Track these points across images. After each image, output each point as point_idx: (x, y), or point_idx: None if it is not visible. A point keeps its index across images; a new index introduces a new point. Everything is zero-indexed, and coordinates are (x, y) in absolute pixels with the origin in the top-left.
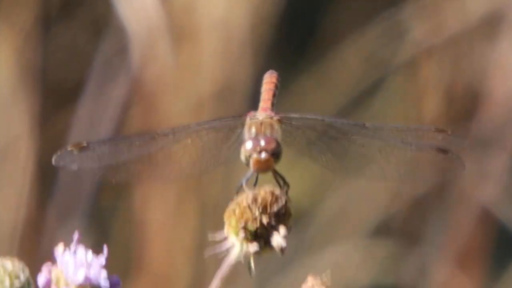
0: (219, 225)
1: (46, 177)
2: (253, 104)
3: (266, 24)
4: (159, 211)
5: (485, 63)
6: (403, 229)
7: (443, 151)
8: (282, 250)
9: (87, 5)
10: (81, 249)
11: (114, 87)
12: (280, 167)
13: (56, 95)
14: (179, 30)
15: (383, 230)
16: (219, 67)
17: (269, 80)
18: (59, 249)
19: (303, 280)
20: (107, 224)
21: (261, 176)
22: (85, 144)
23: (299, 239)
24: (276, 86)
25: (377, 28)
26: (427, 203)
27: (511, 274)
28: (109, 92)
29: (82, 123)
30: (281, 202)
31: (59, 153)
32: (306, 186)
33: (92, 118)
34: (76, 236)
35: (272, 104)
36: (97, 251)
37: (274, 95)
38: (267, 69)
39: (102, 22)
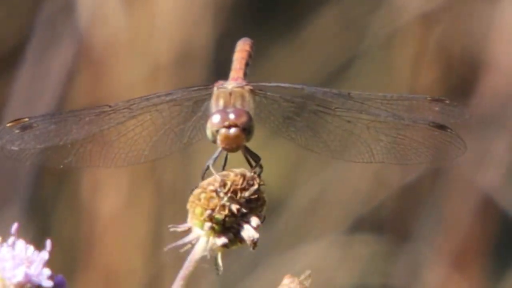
0: (180, 215)
1: None
2: (217, 72)
3: None
4: (109, 199)
5: (486, 27)
6: (391, 222)
7: (440, 126)
8: (254, 243)
9: None
10: (20, 243)
11: (57, 52)
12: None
13: None
14: None
15: (368, 223)
16: (177, 29)
17: (241, 48)
18: None
19: (275, 282)
20: (50, 215)
21: (231, 156)
22: (26, 120)
23: (270, 234)
24: (249, 55)
25: None
26: (419, 191)
27: None
28: (52, 58)
29: (20, 95)
30: (254, 186)
31: None
32: (278, 170)
33: (32, 88)
34: (14, 228)
35: (245, 74)
36: (38, 245)
37: (246, 64)
38: (233, 32)
39: None
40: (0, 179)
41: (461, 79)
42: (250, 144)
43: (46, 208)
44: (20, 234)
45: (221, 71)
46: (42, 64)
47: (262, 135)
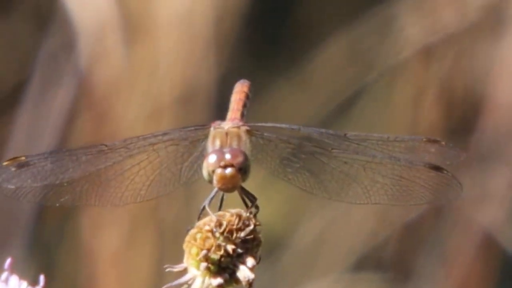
0: (181, 255)
1: None
2: (219, 112)
3: (233, 18)
4: (110, 238)
5: (488, 63)
6: (393, 260)
7: (436, 168)
8: (249, 284)
9: None
10: (14, 279)
11: (58, 91)
12: (248, 187)
13: None
14: (134, 24)
15: (370, 261)
16: (179, 68)
17: (239, 89)
18: None
19: None
20: (51, 252)
21: (227, 196)
22: (23, 159)
23: (273, 272)
24: (247, 96)
25: (366, 24)
26: (421, 229)
27: None
28: (53, 97)
29: (21, 134)
30: (249, 227)
31: None
32: (280, 210)
33: (33, 128)
34: (8, 263)
35: (242, 115)
36: (36, 283)
37: (244, 106)
38: (235, 71)
39: (45, 14)
40: (2, 217)
41: (463, 115)
42: (252, 182)
43: (48, 246)
44: (20, 271)
45: (223, 111)
46: (43, 103)
47: (265, 173)
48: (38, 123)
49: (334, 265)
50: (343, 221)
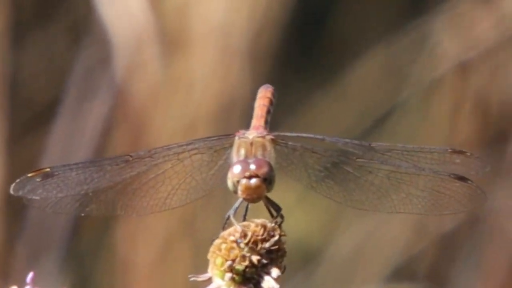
0: None
1: (15, 211)
2: None
3: (271, 31)
4: (146, 250)
5: None
6: (429, 272)
7: (460, 178)
8: None
9: (65, 8)
10: None
11: (94, 104)
12: (288, 199)
13: (27, 114)
14: (171, 37)
15: (406, 273)
16: (216, 81)
17: (263, 95)
18: None
19: None
20: (85, 266)
21: (252, 206)
22: (48, 170)
23: (309, 283)
24: (271, 102)
25: (403, 38)
26: (457, 241)
27: None
28: (89, 110)
29: (57, 147)
30: (274, 237)
31: (18, 180)
32: (315, 221)
33: (69, 140)
34: (29, 277)
35: (266, 122)
36: None
37: (268, 112)
38: (271, 84)
39: (82, 27)
40: (36, 230)
41: (499, 129)
42: (292, 195)
43: (83, 259)
44: (55, 284)
45: None
46: (78, 117)
47: (301, 187)
48: (74, 136)
49: (370, 277)
50: (379, 233)
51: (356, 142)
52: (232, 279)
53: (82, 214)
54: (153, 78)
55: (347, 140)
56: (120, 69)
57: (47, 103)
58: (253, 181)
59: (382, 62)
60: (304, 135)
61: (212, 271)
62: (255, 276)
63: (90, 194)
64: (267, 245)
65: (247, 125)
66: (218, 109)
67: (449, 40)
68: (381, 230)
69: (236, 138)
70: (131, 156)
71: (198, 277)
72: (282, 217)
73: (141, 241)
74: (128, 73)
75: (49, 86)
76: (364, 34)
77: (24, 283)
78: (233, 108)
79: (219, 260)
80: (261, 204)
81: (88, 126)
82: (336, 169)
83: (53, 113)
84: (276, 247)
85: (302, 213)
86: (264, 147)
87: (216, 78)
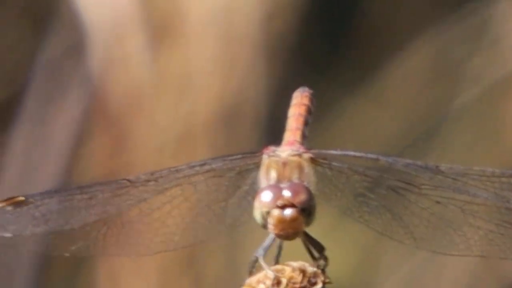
0: None
1: None
2: (271, 134)
3: (285, 15)
4: None
5: None
6: None
7: None
8: None
9: None
10: None
11: (63, 106)
12: (312, 230)
13: None
14: (160, 23)
15: None
16: (218, 79)
17: (298, 102)
18: None
19: None
20: None
21: (286, 244)
22: (21, 199)
23: None
24: (309, 110)
25: (458, 27)
26: None
27: None
28: (55, 115)
29: (16, 163)
30: (317, 285)
31: None
32: (350, 259)
33: (31, 153)
34: None
35: (303, 136)
36: None
37: (305, 123)
38: (289, 82)
39: (45, 10)
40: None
41: None
42: (312, 228)
43: None
44: None
45: (277, 133)
46: (43, 122)
47: (330, 213)
48: (37, 147)
49: None
50: (432, 276)
51: (419, 163)
52: None
53: (66, 254)
54: (138, 74)
55: (408, 161)
56: (95, 63)
57: (3, 104)
58: (288, 212)
59: (431, 56)
60: (353, 153)
61: None
62: None
63: (77, 229)
64: None
65: (259, 136)
66: (221, 114)
67: None
68: (435, 272)
69: (265, 156)
70: (129, 180)
71: None
72: (326, 259)
73: (128, 281)
74: (106, 68)
75: (5, 84)
76: (407, 21)
77: None
78: (240, 113)
79: None
80: (298, 241)
81: (55, 135)
82: (394, 198)
83: (11, 118)
84: None
85: (332, 246)
86: (301, 168)
87: (218, 74)
